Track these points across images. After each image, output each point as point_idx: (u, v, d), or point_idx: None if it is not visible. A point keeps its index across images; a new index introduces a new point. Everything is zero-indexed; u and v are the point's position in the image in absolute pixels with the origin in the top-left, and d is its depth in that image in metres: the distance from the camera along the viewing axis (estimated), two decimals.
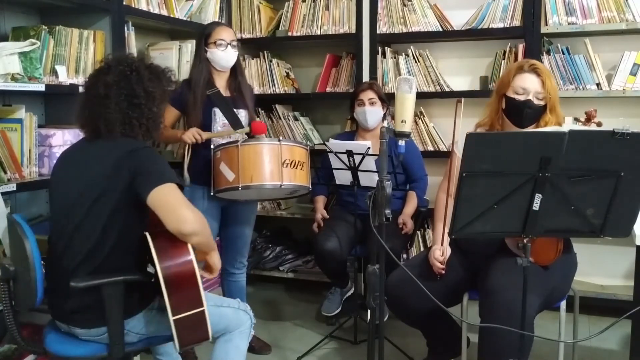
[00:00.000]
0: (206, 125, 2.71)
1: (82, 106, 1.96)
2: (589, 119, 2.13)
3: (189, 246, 1.80)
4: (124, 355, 1.91)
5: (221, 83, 2.79)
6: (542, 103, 2.23)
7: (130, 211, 1.86)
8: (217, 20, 3.55)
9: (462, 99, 2.09)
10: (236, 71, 2.82)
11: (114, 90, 1.90)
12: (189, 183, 2.62)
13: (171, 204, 1.78)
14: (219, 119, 2.73)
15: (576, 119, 2.19)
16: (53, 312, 1.95)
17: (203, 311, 1.80)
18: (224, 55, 2.71)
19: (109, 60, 2.00)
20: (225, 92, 2.79)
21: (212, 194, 2.56)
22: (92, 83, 1.95)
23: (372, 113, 3.15)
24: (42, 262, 1.87)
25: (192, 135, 2.59)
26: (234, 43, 2.75)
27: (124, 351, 1.88)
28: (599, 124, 2.12)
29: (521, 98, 2.22)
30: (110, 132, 1.91)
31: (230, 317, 2.06)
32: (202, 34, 2.76)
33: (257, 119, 2.96)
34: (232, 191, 2.51)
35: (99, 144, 1.93)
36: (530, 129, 2.29)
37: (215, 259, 1.98)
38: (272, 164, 2.48)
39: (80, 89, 2.16)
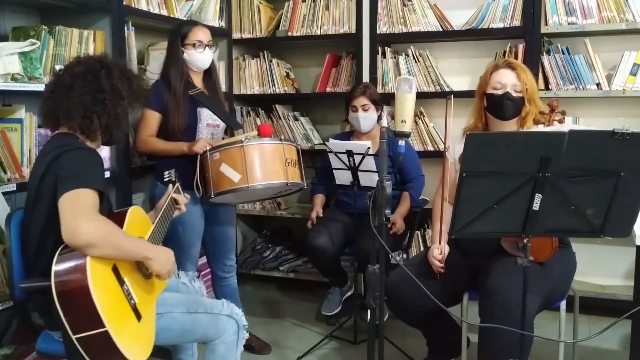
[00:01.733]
0: (191, 126, 2.67)
1: (46, 97, 1.92)
2: (552, 109, 2.23)
3: (87, 260, 1.63)
4: None
5: (198, 82, 2.74)
6: (520, 95, 2.30)
7: None
8: (216, 20, 3.55)
9: (452, 96, 2.10)
10: (210, 70, 2.78)
11: (79, 81, 1.87)
12: (201, 195, 2.55)
13: (69, 212, 1.65)
14: (204, 119, 2.70)
15: (541, 113, 2.27)
16: None
17: (106, 332, 1.59)
18: (201, 57, 2.67)
19: (82, 56, 1.98)
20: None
21: (212, 196, 2.51)
22: (60, 74, 1.92)
23: (365, 119, 3.16)
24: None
25: (204, 145, 2.52)
26: (211, 43, 2.70)
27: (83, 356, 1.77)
28: (563, 113, 2.22)
29: (499, 92, 2.31)
30: (68, 122, 1.87)
31: (207, 324, 1.99)
32: (177, 33, 2.69)
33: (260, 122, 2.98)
34: (235, 193, 2.49)
35: (50, 143, 1.90)
36: (514, 121, 2.33)
37: (156, 266, 1.83)
38: (276, 162, 2.49)
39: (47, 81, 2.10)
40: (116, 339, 1.60)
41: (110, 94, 1.89)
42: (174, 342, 2.07)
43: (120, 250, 1.72)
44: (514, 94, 2.29)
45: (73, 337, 1.59)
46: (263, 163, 2.47)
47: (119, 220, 1.86)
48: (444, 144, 2.23)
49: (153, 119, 2.62)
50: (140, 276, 1.87)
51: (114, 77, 1.91)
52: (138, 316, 1.77)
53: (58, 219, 1.69)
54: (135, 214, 1.97)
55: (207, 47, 2.68)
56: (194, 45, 2.64)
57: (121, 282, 1.74)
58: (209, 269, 3.15)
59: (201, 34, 2.68)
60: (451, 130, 2.17)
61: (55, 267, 1.63)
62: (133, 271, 1.84)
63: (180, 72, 2.64)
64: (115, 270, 1.74)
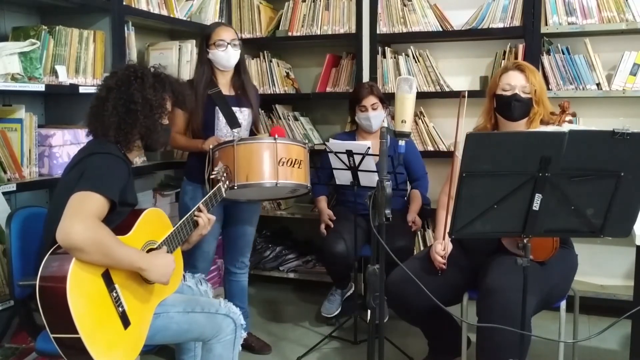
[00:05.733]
0: (209, 124, 2.72)
1: (88, 111, 1.98)
2: (563, 110, 2.26)
3: (71, 265, 1.63)
4: None
5: (225, 82, 2.80)
6: (529, 96, 2.33)
7: None
8: (217, 20, 3.55)
9: (466, 92, 2.11)
10: (240, 69, 2.83)
11: (113, 94, 1.91)
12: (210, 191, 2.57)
13: (70, 210, 1.66)
14: (222, 118, 2.73)
15: (552, 113, 2.30)
16: None
17: (79, 338, 1.61)
18: (224, 55, 2.72)
19: (122, 65, 2.02)
20: (229, 91, 2.80)
21: (235, 187, 2.48)
22: (100, 86, 1.98)
23: (376, 118, 3.17)
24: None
25: (211, 143, 2.58)
26: (235, 42, 2.74)
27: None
28: (573, 114, 2.26)
29: (508, 93, 2.33)
30: (104, 136, 1.91)
31: (203, 324, 1.98)
32: (203, 35, 2.78)
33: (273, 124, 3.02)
34: (230, 190, 2.49)
35: (92, 143, 1.95)
36: (524, 122, 2.35)
37: (151, 276, 1.82)
38: (268, 162, 2.45)
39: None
40: (89, 346, 1.62)
41: (142, 105, 1.92)
42: (171, 341, 2.07)
43: (110, 259, 1.71)
44: (523, 95, 2.32)
45: (50, 335, 1.63)
46: (251, 163, 2.42)
47: (131, 221, 1.88)
48: (455, 141, 2.24)
49: (179, 116, 2.72)
50: (138, 282, 1.85)
51: (145, 88, 1.94)
52: (126, 323, 1.76)
53: None
54: (151, 215, 1.98)
55: (229, 46, 2.72)
56: (215, 44, 2.70)
57: (111, 288, 1.74)
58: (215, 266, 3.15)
59: (223, 33, 2.74)
60: (462, 128, 2.17)
61: (42, 267, 1.65)
62: (129, 277, 1.82)
63: (203, 72, 2.73)
64: (107, 275, 1.73)
